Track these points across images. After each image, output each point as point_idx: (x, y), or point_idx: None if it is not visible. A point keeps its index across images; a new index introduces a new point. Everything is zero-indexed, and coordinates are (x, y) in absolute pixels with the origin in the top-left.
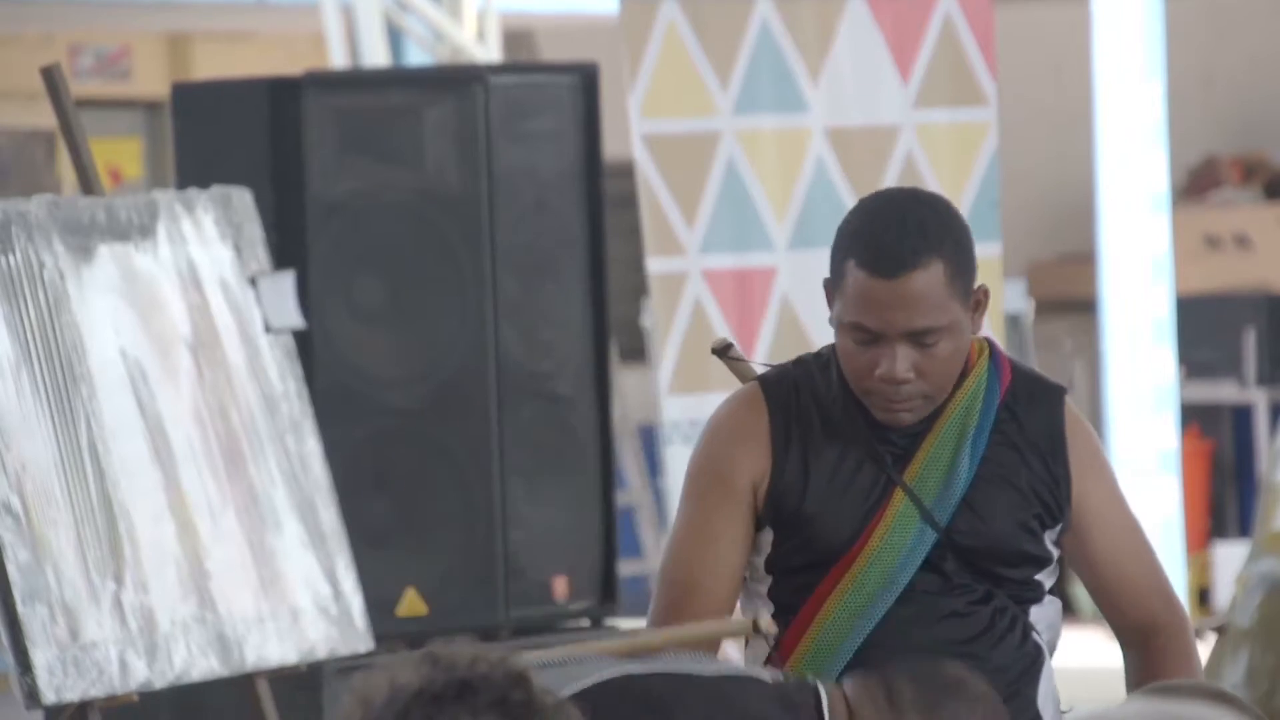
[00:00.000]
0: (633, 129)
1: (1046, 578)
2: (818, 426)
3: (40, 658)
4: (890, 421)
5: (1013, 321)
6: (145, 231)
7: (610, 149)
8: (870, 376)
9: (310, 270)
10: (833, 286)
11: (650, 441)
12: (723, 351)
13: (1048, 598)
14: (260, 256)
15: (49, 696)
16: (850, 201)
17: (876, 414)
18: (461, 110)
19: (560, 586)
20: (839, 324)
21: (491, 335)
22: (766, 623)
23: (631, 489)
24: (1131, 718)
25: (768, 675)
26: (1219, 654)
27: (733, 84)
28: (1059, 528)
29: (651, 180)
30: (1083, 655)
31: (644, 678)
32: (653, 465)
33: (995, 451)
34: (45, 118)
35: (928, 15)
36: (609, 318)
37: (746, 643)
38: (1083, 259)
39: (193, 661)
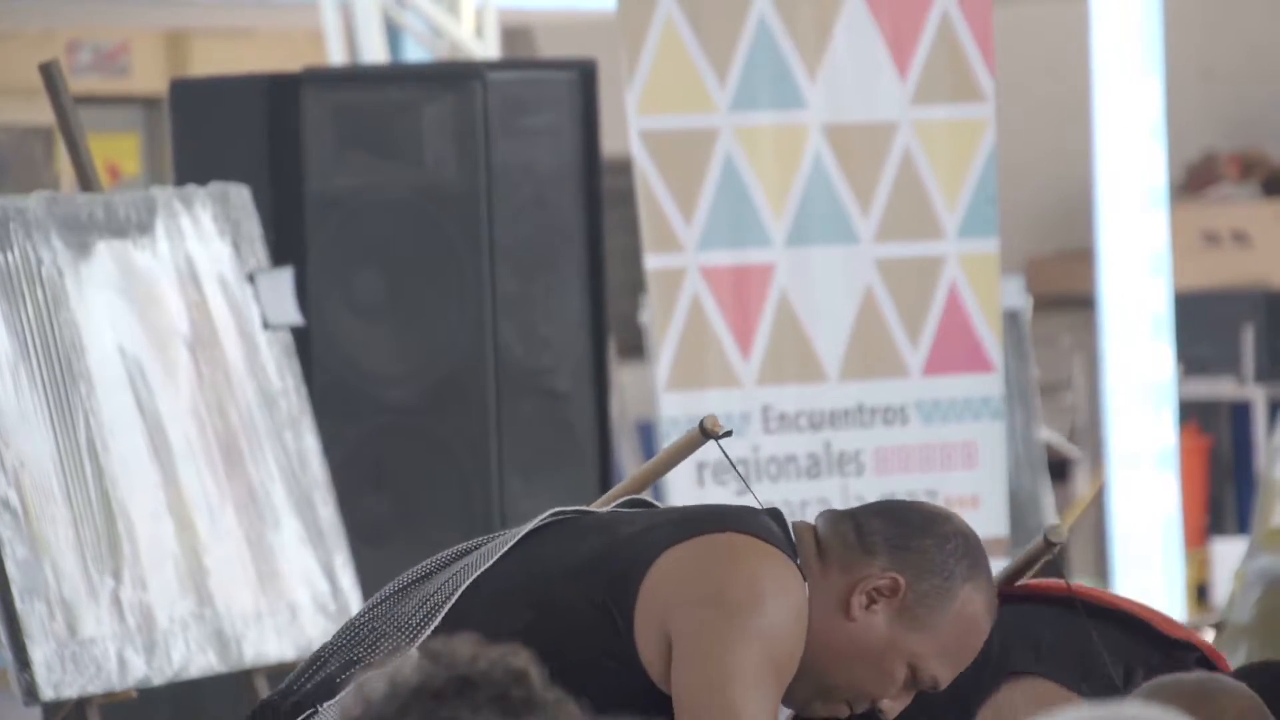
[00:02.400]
0: (630, 126)
1: None
2: None
3: (38, 654)
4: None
5: (1010, 318)
6: (143, 228)
7: (609, 145)
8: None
9: (309, 267)
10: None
11: (649, 438)
12: (716, 434)
13: None
14: (259, 253)
15: (47, 693)
16: (849, 198)
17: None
18: (460, 107)
19: None
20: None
21: (490, 331)
22: (712, 422)
23: None
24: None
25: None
26: (1217, 650)
27: (730, 81)
28: None
29: (649, 177)
30: None
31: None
32: None
33: None
34: (43, 114)
35: (925, 12)
36: (608, 314)
37: None
38: (1081, 255)
39: (191, 658)
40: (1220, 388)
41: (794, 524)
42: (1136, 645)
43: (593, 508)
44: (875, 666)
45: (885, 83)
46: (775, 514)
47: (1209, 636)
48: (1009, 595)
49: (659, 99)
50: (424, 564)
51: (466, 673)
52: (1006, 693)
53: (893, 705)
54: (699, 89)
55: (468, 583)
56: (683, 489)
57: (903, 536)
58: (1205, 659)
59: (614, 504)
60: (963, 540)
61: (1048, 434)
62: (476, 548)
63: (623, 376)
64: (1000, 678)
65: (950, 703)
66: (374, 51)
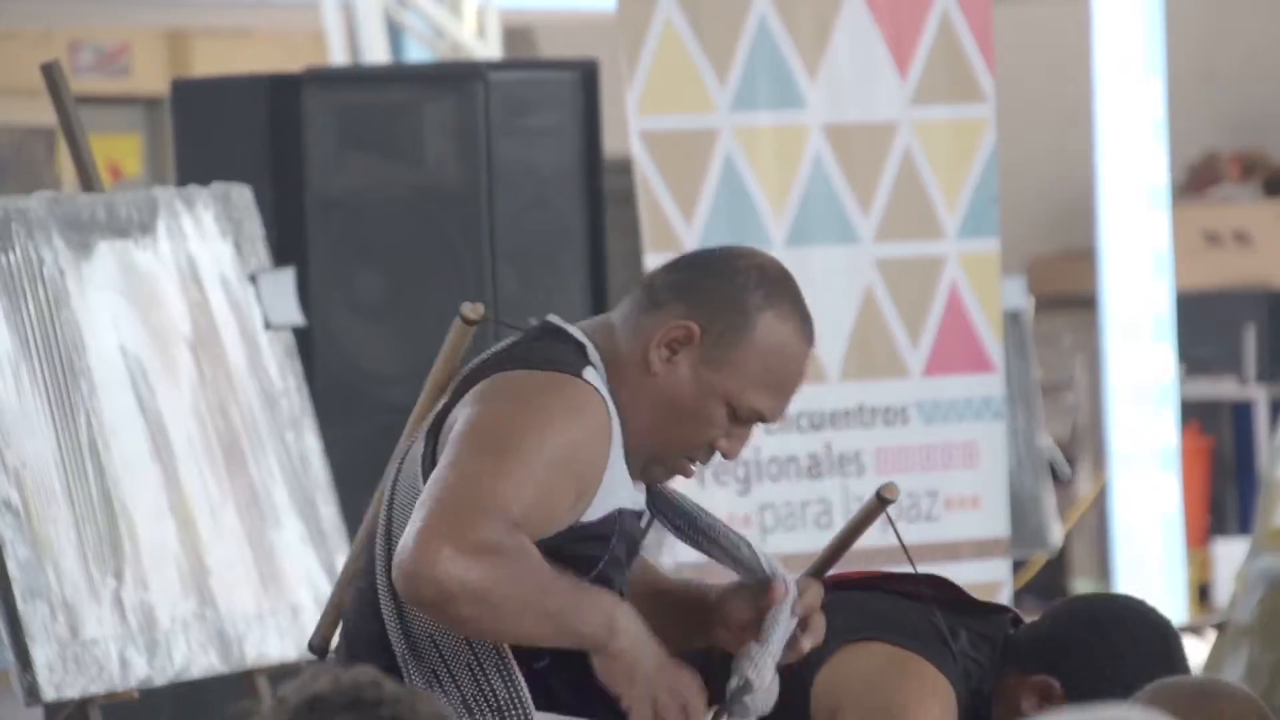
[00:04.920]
0: (630, 126)
1: None
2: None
3: (40, 655)
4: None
5: (1012, 318)
6: (145, 228)
7: (610, 145)
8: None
9: (310, 267)
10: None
11: None
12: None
13: None
14: (260, 253)
15: (49, 693)
16: (848, 197)
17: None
18: (461, 106)
19: None
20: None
21: (491, 331)
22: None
23: None
24: None
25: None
26: (1219, 650)
27: (730, 81)
28: None
29: (649, 177)
30: None
31: None
32: None
33: None
34: (45, 114)
35: (926, 12)
36: None
37: None
38: (1083, 255)
39: (193, 658)
40: (1222, 388)
41: (588, 325)
42: (957, 612)
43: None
44: (693, 414)
45: (885, 83)
46: (559, 332)
47: (1211, 637)
48: (839, 583)
49: (659, 99)
50: None
51: (315, 691)
52: (842, 654)
53: (730, 445)
54: (699, 89)
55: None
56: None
57: (691, 282)
58: (1017, 619)
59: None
60: (758, 272)
61: (1045, 444)
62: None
63: None
64: (836, 645)
65: (793, 677)
66: (375, 51)
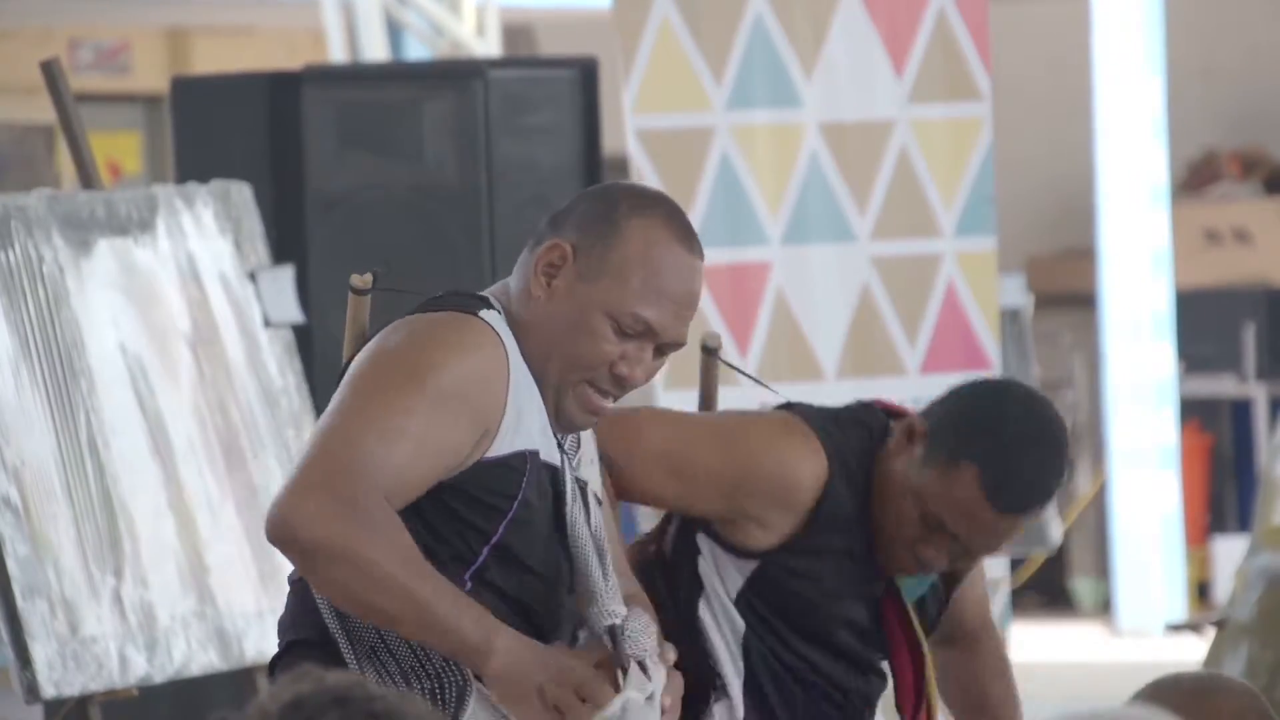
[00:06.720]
0: (627, 124)
1: None
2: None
3: (40, 652)
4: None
5: (1011, 316)
6: (144, 226)
7: (610, 143)
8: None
9: (310, 264)
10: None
11: None
12: (713, 351)
13: None
14: (259, 251)
15: (49, 691)
16: (845, 196)
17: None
18: (461, 104)
19: None
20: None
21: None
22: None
23: None
24: None
25: None
26: (1218, 648)
27: (727, 79)
28: None
29: (646, 176)
30: (1082, 652)
31: None
32: None
33: None
34: (44, 112)
35: (922, 10)
36: None
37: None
38: (1082, 253)
39: (192, 656)
40: (1221, 386)
41: (491, 287)
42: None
43: None
44: (579, 331)
45: (882, 81)
46: (461, 291)
47: (1210, 635)
48: None
49: (655, 98)
50: None
51: (300, 691)
52: None
53: (628, 367)
54: (695, 88)
55: None
56: None
57: (566, 211)
58: (889, 409)
59: None
60: (628, 189)
61: None
62: None
63: None
64: None
65: None
66: (375, 49)
